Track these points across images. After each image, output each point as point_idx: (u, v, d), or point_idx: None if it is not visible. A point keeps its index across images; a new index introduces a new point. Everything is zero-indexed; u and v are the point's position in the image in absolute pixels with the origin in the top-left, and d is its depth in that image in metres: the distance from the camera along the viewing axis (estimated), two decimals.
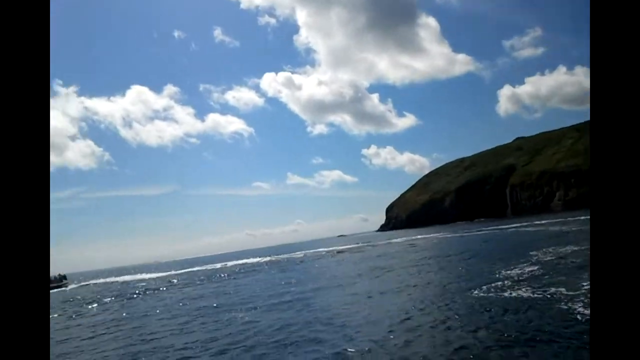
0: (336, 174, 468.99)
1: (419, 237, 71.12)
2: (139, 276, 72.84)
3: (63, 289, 64.19)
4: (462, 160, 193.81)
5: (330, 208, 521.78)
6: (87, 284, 69.16)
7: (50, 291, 59.65)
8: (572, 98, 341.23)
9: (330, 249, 74.23)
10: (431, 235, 70.87)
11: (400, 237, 79.97)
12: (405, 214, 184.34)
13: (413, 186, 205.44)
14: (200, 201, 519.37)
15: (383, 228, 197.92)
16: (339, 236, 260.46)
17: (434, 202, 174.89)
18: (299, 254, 69.63)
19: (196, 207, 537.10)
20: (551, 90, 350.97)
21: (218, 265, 69.87)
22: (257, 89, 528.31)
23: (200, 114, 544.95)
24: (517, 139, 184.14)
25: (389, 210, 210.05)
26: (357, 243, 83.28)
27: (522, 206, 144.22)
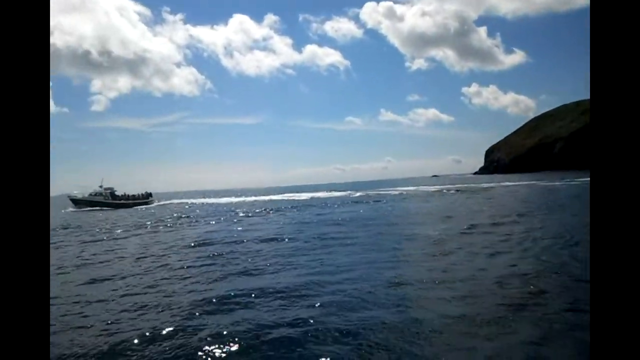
0: (432, 113, 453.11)
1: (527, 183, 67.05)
2: (224, 199, 77.18)
3: (150, 205, 69.82)
4: (578, 103, 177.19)
5: (422, 147, 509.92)
6: (168, 203, 74.97)
7: (136, 207, 65.98)
8: None
9: (430, 188, 72.29)
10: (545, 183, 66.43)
11: (507, 182, 76.08)
12: (509, 157, 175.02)
13: (520, 129, 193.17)
14: (293, 132, 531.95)
15: (482, 171, 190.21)
16: (432, 176, 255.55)
17: (543, 146, 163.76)
18: (392, 191, 68.05)
19: (289, 138, 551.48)
20: None
21: (306, 196, 70.94)
22: (356, 19, 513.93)
23: (298, 45, 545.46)
24: None
25: (489, 153, 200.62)
26: (456, 185, 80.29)
27: None
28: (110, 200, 68.63)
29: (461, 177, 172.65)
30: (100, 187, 69.74)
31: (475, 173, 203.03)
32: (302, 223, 27.52)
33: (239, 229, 25.86)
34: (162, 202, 77.46)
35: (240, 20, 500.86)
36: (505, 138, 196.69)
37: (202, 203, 69.14)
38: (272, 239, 20.02)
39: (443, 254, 14.17)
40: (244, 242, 19.58)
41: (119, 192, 71.71)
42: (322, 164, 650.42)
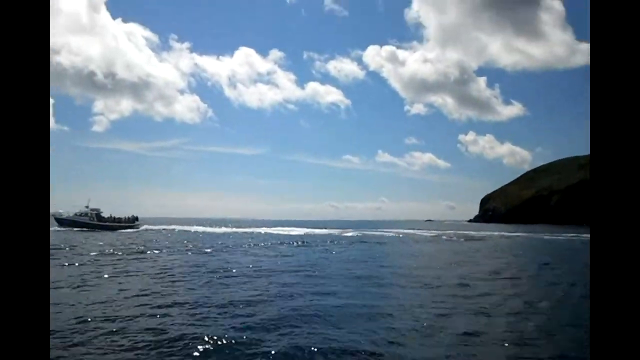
0: (428, 157, 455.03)
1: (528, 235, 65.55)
2: (219, 229, 75.52)
3: (135, 230, 67.64)
4: (576, 157, 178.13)
5: (417, 191, 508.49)
6: (157, 228, 72.92)
7: (120, 230, 64.01)
8: None
9: (433, 232, 70.64)
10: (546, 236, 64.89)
11: (508, 232, 74.51)
12: (505, 207, 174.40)
13: (516, 180, 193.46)
14: (291, 167, 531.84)
15: (477, 219, 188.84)
16: (426, 220, 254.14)
17: (539, 199, 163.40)
18: (389, 233, 66.34)
19: (286, 172, 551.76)
20: None
21: (321, 231, 68.88)
22: (359, 61, 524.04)
23: (301, 82, 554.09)
24: None
25: (484, 201, 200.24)
26: (453, 231, 78.61)
27: None
28: (95, 222, 66.26)
29: (457, 224, 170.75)
30: (87, 207, 67.48)
31: (470, 220, 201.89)
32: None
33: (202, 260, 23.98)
34: (150, 227, 75.15)
35: (246, 53, 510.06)
36: (502, 188, 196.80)
37: (192, 231, 67.01)
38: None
39: None
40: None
41: (106, 214, 69.44)
42: (317, 200, 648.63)
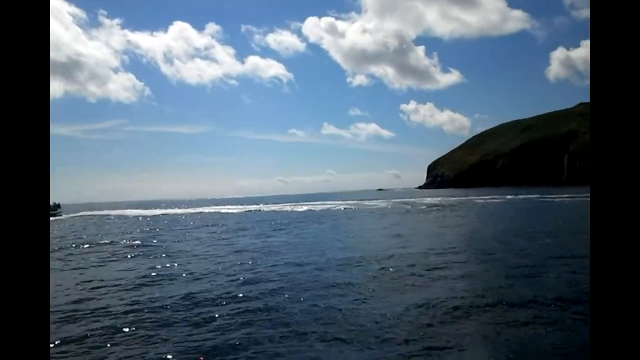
0: (372, 128, 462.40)
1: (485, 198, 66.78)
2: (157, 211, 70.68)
3: (55, 218, 60.17)
4: (518, 122, 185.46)
5: (363, 161, 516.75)
6: (85, 215, 66.22)
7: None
8: None
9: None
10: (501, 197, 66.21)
11: (455, 196, 75.63)
12: (453, 173, 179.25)
13: (462, 145, 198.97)
14: (236, 143, 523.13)
15: (427, 186, 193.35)
16: (378, 190, 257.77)
17: (485, 163, 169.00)
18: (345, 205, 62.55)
19: (231, 149, 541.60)
20: None
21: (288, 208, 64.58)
22: (299, 33, 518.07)
23: (241, 56, 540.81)
24: (580, 104, 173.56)
25: (431, 168, 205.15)
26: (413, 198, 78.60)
27: (580, 175, 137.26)
28: None
29: (408, 191, 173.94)
30: None
31: (420, 187, 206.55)
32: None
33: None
34: (77, 214, 68.70)
35: (180, 28, 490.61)
36: (448, 154, 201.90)
37: (128, 215, 60.70)
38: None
39: None
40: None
41: None
42: (265, 175, 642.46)
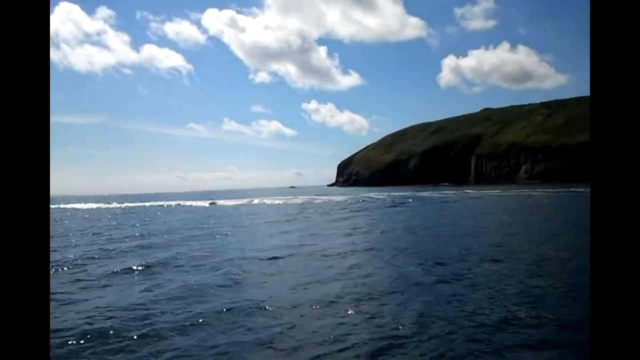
0: (275, 125, 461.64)
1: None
2: None
3: None
4: (428, 124, 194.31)
5: (265, 159, 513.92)
6: None
7: None
8: (511, 77, 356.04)
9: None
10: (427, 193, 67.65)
11: (376, 193, 75.99)
12: (368, 172, 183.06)
13: (376, 145, 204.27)
14: (130, 136, 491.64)
15: (342, 184, 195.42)
16: (290, 187, 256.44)
17: (399, 162, 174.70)
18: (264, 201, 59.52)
19: (125, 141, 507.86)
20: (493, 66, 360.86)
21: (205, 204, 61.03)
22: (198, 24, 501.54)
23: (136, 44, 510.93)
24: (485, 109, 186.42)
25: (343, 166, 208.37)
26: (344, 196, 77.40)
27: (486, 175, 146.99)
28: None
29: (322, 189, 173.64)
30: None
31: (331, 185, 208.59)
32: None
33: None
34: None
35: (68, 10, 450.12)
36: (361, 153, 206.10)
37: None
38: None
39: None
40: None
41: None
42: (162, 171, 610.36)
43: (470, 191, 71.22)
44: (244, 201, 62.48)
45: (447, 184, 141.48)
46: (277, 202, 58.11)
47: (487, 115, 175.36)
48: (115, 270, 12.11)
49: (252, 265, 12.58)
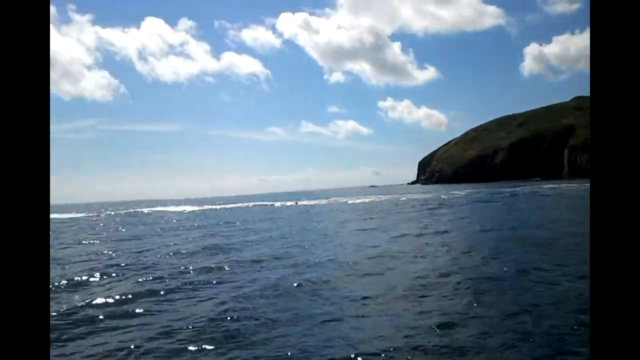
0: (351, 125, 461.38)
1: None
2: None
3: None
4: (513, 117, 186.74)
5: (343, 159, 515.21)
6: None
7: None
8: None
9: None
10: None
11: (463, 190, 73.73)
12: (452, 168, 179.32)
13: (458, 140, 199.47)
14: (215, 142, 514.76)
15: (425, 182, 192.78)
16: (370, 186, 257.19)
17: (484, 157, 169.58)
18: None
19: (210, 147, 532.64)
20: (580, 51, 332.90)
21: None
22: (273, 29, 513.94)
23: (216, 52, 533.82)
24: (576, 97, 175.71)
25: (424, 164, 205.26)
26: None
27: (582, 168, 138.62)
28: None
29: (403, 188, 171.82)
30: None
31: (412, 183, 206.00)
32: None
33: None
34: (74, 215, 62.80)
35: (153, 24, 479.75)
36: (442, 149, 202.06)
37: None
38: None
39: None
40: None
41: None
42: (245, 174, 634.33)
43: (574, 185, 67.79)
44: (342, 200, 64.30)
45: (538, 178, 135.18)
46: (365, 200, 59.33)
47: (578, 104, 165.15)
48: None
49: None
